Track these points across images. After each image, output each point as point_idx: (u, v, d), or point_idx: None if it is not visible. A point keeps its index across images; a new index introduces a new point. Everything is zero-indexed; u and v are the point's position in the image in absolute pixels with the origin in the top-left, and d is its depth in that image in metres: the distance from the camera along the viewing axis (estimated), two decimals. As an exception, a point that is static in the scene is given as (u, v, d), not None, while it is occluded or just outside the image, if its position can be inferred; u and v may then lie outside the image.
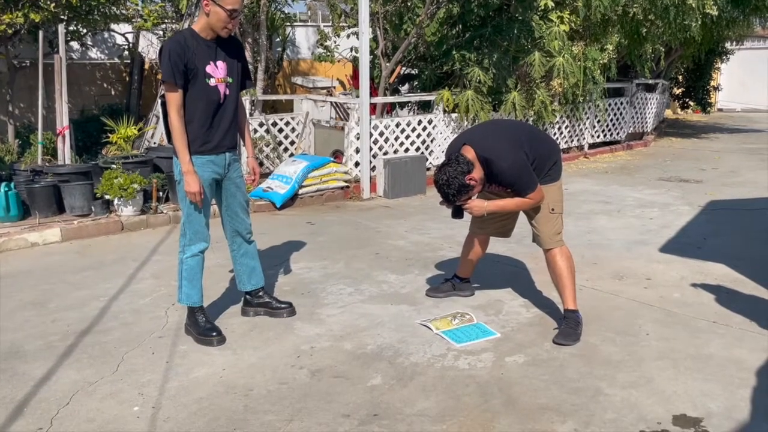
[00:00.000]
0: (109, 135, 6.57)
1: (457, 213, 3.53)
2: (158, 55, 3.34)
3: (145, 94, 8.92)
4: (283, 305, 3.79)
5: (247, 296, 3.80)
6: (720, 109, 18.49)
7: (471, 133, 3.68)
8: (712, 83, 16.65)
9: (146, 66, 9.13)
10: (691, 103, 16.27)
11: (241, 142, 3.65)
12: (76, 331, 3.56)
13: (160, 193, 6.04)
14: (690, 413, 2.70)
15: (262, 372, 3.10)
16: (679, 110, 16.92)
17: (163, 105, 3.29)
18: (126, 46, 8.95)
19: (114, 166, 5.84)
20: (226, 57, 3.33)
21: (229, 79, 3.34)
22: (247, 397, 2.87)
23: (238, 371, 3.11)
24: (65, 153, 6.27)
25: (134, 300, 4.05)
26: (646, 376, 3.03)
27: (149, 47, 9.08)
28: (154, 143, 7.09)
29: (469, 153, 3.36)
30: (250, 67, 7.35)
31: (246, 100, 7.21)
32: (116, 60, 9.08)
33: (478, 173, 3.34)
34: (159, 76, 9.13)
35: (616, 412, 2.72)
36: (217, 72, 3.29)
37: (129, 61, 8.93)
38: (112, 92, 9.05)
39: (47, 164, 6.31)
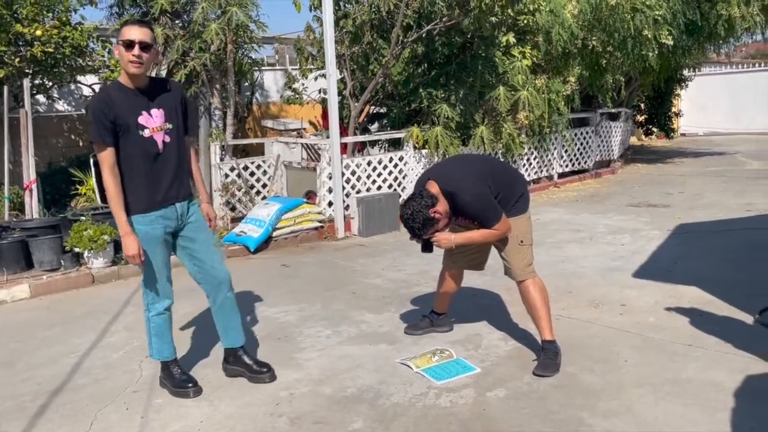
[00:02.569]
0: (78, 187, 6.50)
1: (426, 247, 3.55)
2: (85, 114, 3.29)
3: (114, 144, 8.85)
4: (264, 370, 3.47)
5: (226, 354, 3.57)
6: (683, 134, 19.00)
7: (436, 168, 3.75)
8: (674, 109, 17.14)
9: (114, 115, 9.09)
10: (655, 130, 16.72)
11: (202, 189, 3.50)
12: (48, 390, 3.46)
13: (132, 243, 5.95)
14: (672, 439, 2.70)
15: (241, 422, 3.03)
16: (643, 137, 17.34)
17: (95, 165, 3.13)
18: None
19: (83, 217, 5.76)
20: (162, 103, 3.14)
21: (169, 126, 3.15)
22: (225, 449, 2.80)
23: (215, 423, 3.04)
24: (33, 207, 6.18)
25: (107, 354, 3.96)
26: (626, 404, 3.03)
27: (117, 97, 9.06)
28: (125, 192, 7.02)
29: (433, 188, 3.41)
30: (218, 111, 7.40)
31: (216, 146, 7.22)
32: (83, 111, 9.03)
33: (442, 206, 3.38)
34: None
35: (599, 443, 2.71)
36: (152, 121, 3.10)
37: (97, 112, 8.88)
38: (80, 143, 8.98)
39: (14, 219, 6.21)
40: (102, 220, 5.80)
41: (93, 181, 6.25)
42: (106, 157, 3.02)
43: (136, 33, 2.99)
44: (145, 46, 3.00)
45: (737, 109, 18.68)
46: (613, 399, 3.09)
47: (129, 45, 2.98)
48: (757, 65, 20.24)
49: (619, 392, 3.16)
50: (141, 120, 3.07)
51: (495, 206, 3.39)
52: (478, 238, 3.49)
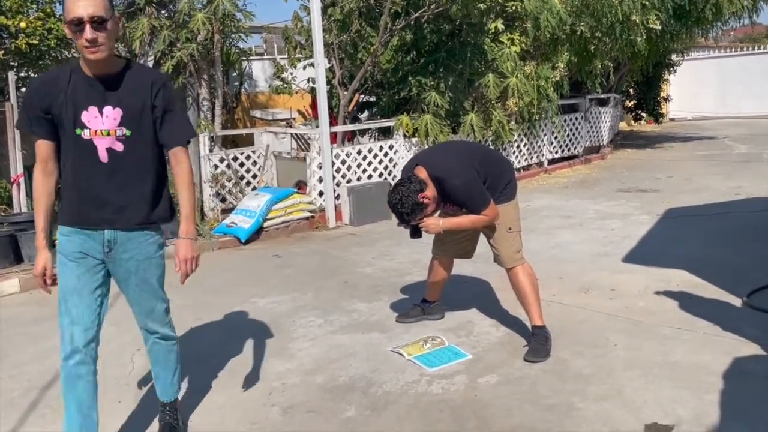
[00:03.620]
0: (66, 180, 6.45)
1: (415, 233, 3.54)
2: None
3: (101, 136, 8.79)
4: None
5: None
6: (672, 119, 19.06)
7: (423, 154, 3.75)
8: (662, 94, 17.19)
9: (102, 108, 9.02)
10: (644, 115, 16.75)
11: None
12: (38, 386, 3.45)
13: (122, 236, 5.92)
14: (661, 421, 2.73)
15: (233, 413, 3.04)
16: (632, 122, 17.38)
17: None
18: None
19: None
20: (123, 101, 2.41)
21: (125, 132, 2.41)
22: (218, 440, 2.81)
23: (208, 414, 3.05)
24: (21, 201, 6.13)
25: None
26: (616, 387, 3.06)
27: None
28: (113, 185, 6.98)
29: (421, 173, 3.41)
30: (206, 102, 7.34)
31: (205, 136, 7.18)
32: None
33: (431, 192, 3.38)
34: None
35: (590, 427, 2.73)
36: (98, 122, 2.38)
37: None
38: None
39: (2, 213, 6.16)
40: (91, 213, 5.75)
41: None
42: (38, 150, 2.47)
43: (83, 6, 2.24)
44: (98, 22, 2.26)
45: (725, 93, 18.76)
46: (604, 383, 3.12)
47: (77, 25, 2.26)
48: (744, 49, 20.32)
49: (610, 376, 3.19)
50: (84, 117, 2.38)
51: (483, 192, 3.39)
52: (467, 224, 3.49)
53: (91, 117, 2.39)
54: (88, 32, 2.25)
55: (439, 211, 3.61)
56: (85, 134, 2.39)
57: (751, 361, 3.24)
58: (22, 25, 6.51)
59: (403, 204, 3.31)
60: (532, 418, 2.83)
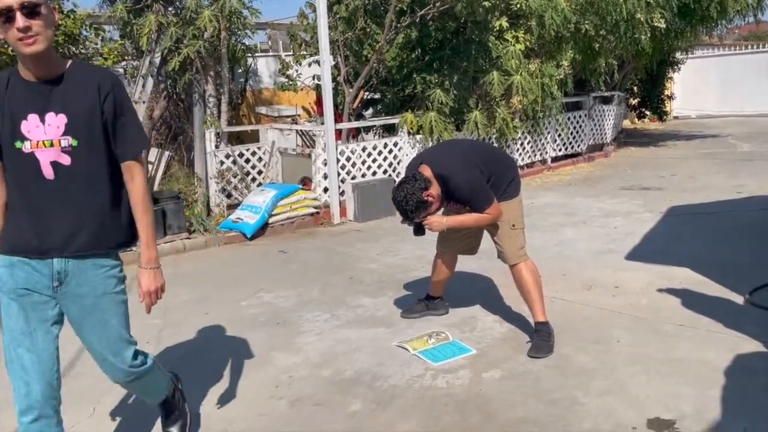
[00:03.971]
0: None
1: (419, 230, 3.58)
2: None
3: (107, 132, 8.84)
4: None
5: None
6: (676, 117, 19.03)
7: (428, 152, 3.79)
8: (666, 92, 17.17)
9: (108, 103, 9.07)
10: (648, 113, 16.74)
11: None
12: (49, 377, 3.49)
13: (128, 231, 5.98)
14: (663, 416, 2.77)
15: (241, 405, 3.09)
16: (636, 120, 17.38)
17: None
18: (86, 85, 8.88)
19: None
20: (67, 106, 2.07)
21: (70, 142, 2.07)
22: (226, 431, 2.86)
23: (215, 405, 3.09)
24: None
25: (107, 341, 3.99)
26: (619, 383, 3.10)
27: (110, 84, 9.03)
28: (120, 180, 7.03)
29: (426, 171, 3.44)
30: (212, 99, 7.38)
31: (211, 133, 7.22)
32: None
33: (435, 190, 3.41)
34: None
35: (593, 421, 2.78)
36: (39, 131, 2.06)
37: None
38: (74, 131, 8.96)
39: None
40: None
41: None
42: None
43: None
44: (30, 8, 1.96)
45: (729, 92, 18.72)
46: (606, 378, 3.16)
47: (6, 15, 1.95)
48: (749, 47, 20.29)
49: (612, 372, 3.23)
50: (23, 127, 2.06)
51: (486, 190, 3.43)
52: (470, 222, 3.53)
53: (31, 126, 2.05)
54: (20, 20, 1.94)
55: (442, 209, 3.65)
56: (26, 147, 2.06)
57: (754, 358, 3.27)
58: (30, 21, 6.55)
59: (408, 202, 3.34)
60: (536, 412, 2.87)
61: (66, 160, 2.09)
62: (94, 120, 2.12)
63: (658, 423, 2.72)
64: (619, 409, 2.86)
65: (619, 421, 2.75)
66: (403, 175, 8.01)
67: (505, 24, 8.26)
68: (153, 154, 7.74)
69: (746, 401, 2.86)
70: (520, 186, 3.70)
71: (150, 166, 7.59)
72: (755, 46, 20.07)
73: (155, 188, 7.24)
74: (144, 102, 7.21)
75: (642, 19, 8.83)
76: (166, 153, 7.86)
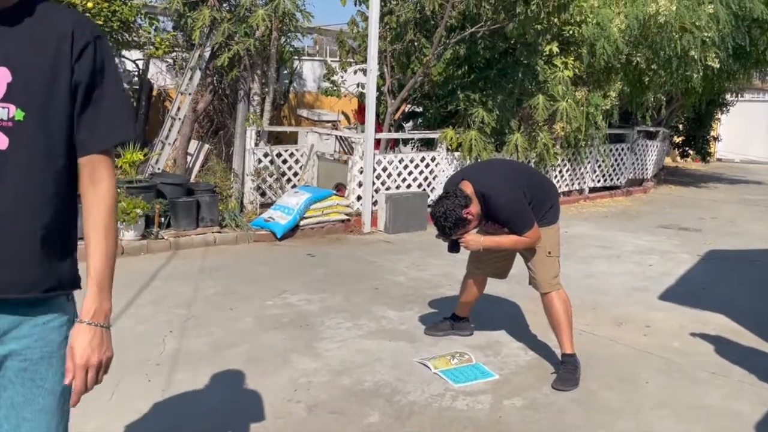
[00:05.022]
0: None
1: (454, 247, 3.52)
2: None
3: (151, 120, 9.00)
4: None
5: None
6: (719, 159, 18.64)
7: (470, 169, 3.74)
8: (712, 133, 16.84)
9: (154, 92, 9.24)
10: (691, 152, 16.43)
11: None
12: (72, 355, 3.52)
13: (162, 219, 6.05)
14: (689, 465, 2.67)
15: (258, 405, 3.07)
16: (678, 158, 17.06)
17: None
18: (135, 72, 9.06)
19: (118, 190, 5.85)
20: (14, 56, 1.32)
21: (12, 114, 1.32)
22: (242, 430, 2.84)
23: (233, 404, 3.08)
24: (70, 175, 6.29)
25: (132, 325, 4.02)
26: (644, 425, 3.01)
27: (158, 74, 9.20)
28: (159, 169, 7.13)
29: (467, 188, 3.38)
30: (257, 97, 7.45)
31: (252, 130, 7.28)
32: (125, 85, 9.19)
33: (475, 208, 3.36)
34: (166, 103, 9.25)
35: (615, 461, 2.69)
36: None
37: (137, 87, 9.03)
38: (119, 116, 9.13)
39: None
40: (136, 193, 5.89)
41: (129, 154, 6.37)
42: None
43: None
44: None
45: (777, 139, 18.30)
46: (632, 419, 3.06)
47: None
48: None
49: (639, 413, 3.13)
50: None
51: (528, 212, 3.37)
52: (507, 244, 3.47)
53: None
54: None
55: (477, 228, 3.59)
56: None
57: (788, 415, 3.15)
58: (89, 5, 6.71)
59: (447, 218, 3.30)
60: (557, 446, 2.80)
61: (2, 142, 1.31)
62: (58, 83, 1.35)
63: (683, 472, 2.62)
64: (644, 452, 2.76)
65: (643, 466, 2.66)
66: (438, 190, 8.00)
67: (555, 49, 8.19)
68: (193, 145, 7.85)
69: (778, 460, 2.75)
70: (559, 213, 3.64)
71: (189, 157, 7.69)
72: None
73: (192, 179, 7.33)
74: (190, 94, 7.31)
75: (696, 57, 8.68)
76: (206, 146, 7.96)
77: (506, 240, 3.45)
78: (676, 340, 4.15)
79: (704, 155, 16.25)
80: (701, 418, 3.09)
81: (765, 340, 4.18)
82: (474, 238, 3.44)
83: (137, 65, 8.99)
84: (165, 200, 6.18)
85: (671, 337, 4.20)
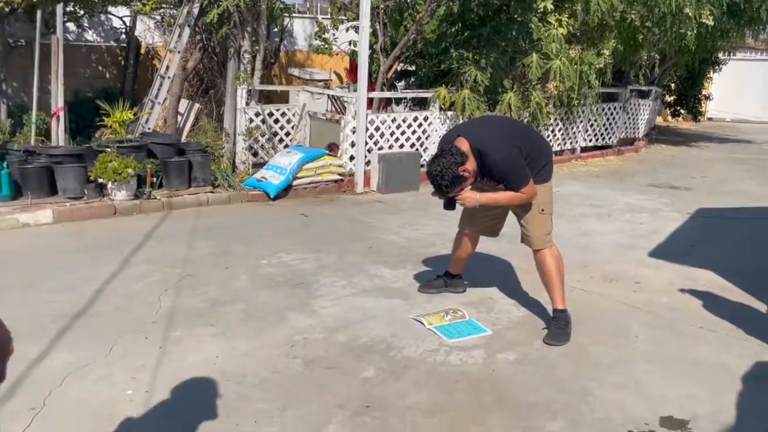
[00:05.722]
0: (104, 118, 6.53)
1: (450, 204, 3.52)
2: None
3: (140, 79, 8.86)
4: None
5: None
6: (710, 118, 18.64)
7: (466, 125, 3.71)
8: (704, 92, 16.80)
9: (142, 50, 9.07)
10: (683, 111, 16.40)
11: None
12: (69, 314, 3.55)
13: (154, 179, 6.02)
14: (677, 415, 2.75)
15: (256, 360, 3.11)
16: (669, 118, 17.04)
17: None
18: (123, 30, 8.88)
19: (108, 149, 5.81)
20: None
21: None
22: (240, 384, 2.89)
23: (231, 359, 3.12)
24: (59, 134, 6.23)
25: (128, 284, 4.04)
26: (634, 378, 3.08)
27: (146, 32, 9.02)
28: (149, 128, 7.05)
29: (463, 145, 3.36)
30: (247, 55, 7.33)
31: (243, 89, 7.19)
32: (112, 43, 9.02)
33: (471, 165, 3.34)
34: (155, 61, 9.09)
35: (605, 413, 2.76)
36: None
37: (125, 45, 8.86)
38: (107, 75, 8.99)
39: (40, 145, 6.26)
40: (127, 153, 5.84)
41: (119, 114, 6.29)
42: None
43: None
44: None
45: (768, 98, 18.29)
46: (622, 373, 3.13)
47: None
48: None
49: (628, 367, 3.20)
50: None
51: (524, 168, 3.37)
52: (503, 200, 3.48)
53: None
54: None
55: (472, 185, 3.58)
56: None
57: (772, 367, 3.23)
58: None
59: (444, 176, 3.28)
60: (548, 399, 2.86)
61: None
62: None
63: (671, 422, 2.70)
64: (633, 404, 2.83)
65: (632, 416, 2.73)
66: (431, 150, 7.97)
67: (549, 5, 8.07)
68: (183, 105, 7.75)
69: (762, 408, 2.83)
70: (552, 171, 3.64)
71: (179, 117, 7.61)
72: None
73: (183, 139, 7.26)
74: (179, 52, 7.19)
75: (690, 14, 8.59)
76: (196, 105, 7.87)
77: (502, 196, 3.45)
78: (665, 296, 4.22)
79: (695, 114, 16.25)
80: (689, 372, 3.17)
81: (752, 295, 4.26)
82: (470, 195, 3.44)
83: (124, 22, 8.80)
84: (156, 160, 6.13)
85: (660, 293, 4.27)
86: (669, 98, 16.10)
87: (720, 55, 14.87)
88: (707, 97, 17.35)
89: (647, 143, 12.33)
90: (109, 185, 5.70)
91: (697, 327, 3.72)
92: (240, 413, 2.65)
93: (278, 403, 2.74)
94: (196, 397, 2.76)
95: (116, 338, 3.27)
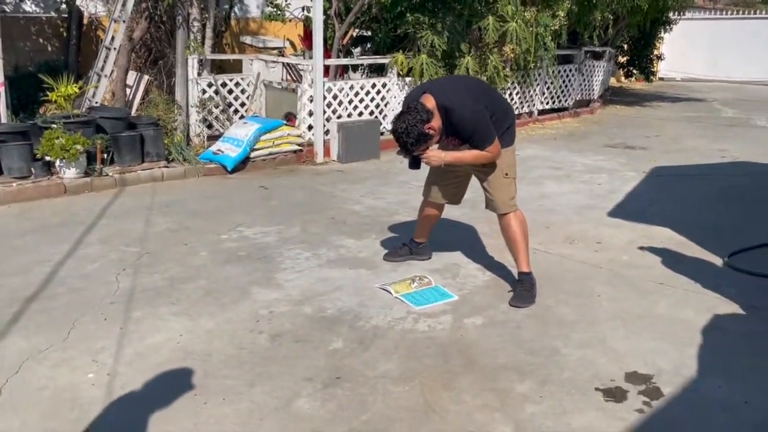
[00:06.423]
0: (47, 93, 6.23)
1: (415, 163, 3.44)
2: None
3: (84, 51, 8.47)
4: None
5: None
6: (661, 78, 18.95)
7: (432, 83, 3.65)
8: (656, 52, 17.04)
9: (85, 21, 8.66)
10: (635, 72, 16.62)
11: None
12: (21, 298, 3.41)
13: (105, 155, 5.80)
14: (641, 370, 2.81)
15: (221, 337, 3.05)
16: (623, 78, 17.25)
17: None
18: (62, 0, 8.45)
19: (54, 125, 5.55)
20: None
21: None
22: (206, 362, 2.82)
23: (195, 337, 3.05)
24: (1, 112, 5.92)
25: (82, 265, 3.90)
26: (599, 336, 3.13)
27: (88, 1, 8.60)
28: (96, 102, 6.77)
29: (429, 102, 3.29)
30: (197, 24, 7.07)
31: (194, 59, 6.95)
32: (53, 14, 8.57)
33: (437, 122, 3.28)
34: (99, 32, 8.70)
35: (572, 371, 2.80)
36: None
37: (66, 15, 8.44)
38: (49, 48, 8.56)
39: (-20, 123, 5.95)
40: (74, 129, 5.60)
41: (64, 88, 6.00)
42: None
43: None
44: None
45: (717, 57, 18.66)
46: (586, 331, 3.18)
47: None
48: (738, 12, 20.13)
49: (593, 325, 3.25)
50: None
51: (490, 126, 3.32)
52: (469, 159, 3.43)
53: None
54: None
55: (437, 145, 3.53)
56: None
57: (730, 319, 3.32)
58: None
59: (409, 133, 3.20)
60: (517, 360, 2.89)
61: None
62: None
63: (636, 377, 2.75)
64: (599, 361, 2.88)
65: (599, 373, 2.78)
66: (390, 117, 7.86)
67: (504, -33, 8.00)
68: (131, 77, 7.46)
69: (723, 361, 2.91)
70: (515, 135, 3.63)
71: (128, 90, 7.33)
72: (744, 12, 19.90)
73: (133, 113, 7.01)
74: (124, 22, 6.88)
75: (643, -27, 8.62)
76: (146, 77, 7.58)
77: (468, 155, 3.40)
78: (626, 254, 4.30)
79: (648, 75, 16.49)
80: (651, 327, 3.23)
81: (708, 250, 4.37)
82: (435, 154, 3.39)
83: (63, -9, 8.36)
84: (106, 135, 5.90)
85: (621, 252, 4.35)
86: (622, 59, 16.28)
87: (671, 14, 15.06)
88: (659, 57, 17.61)
89: (602, 104, 12.47)
90: (58, 163, 5.47)
91: (657, 283, 3.80)
92: (207, 391, 2.60)
93: (246, 379, 2.69)
94: (161, 378, 2.69)
95: (74, 321, 3.16)
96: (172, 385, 2.64)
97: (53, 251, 4.10)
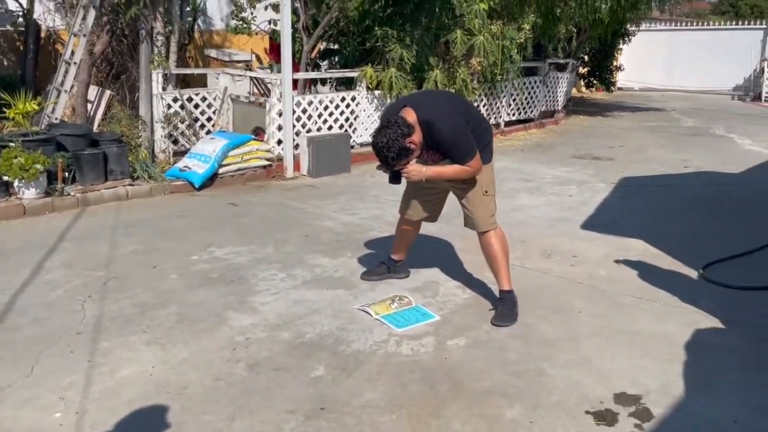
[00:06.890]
0: (4, 110, 5.99)
1: (395, 178, 3.37)
2: None
3: (41, 65, 8.19)
4: None
5: None
6: (620, 88, 19.37)
7: (412, 96, 3.60)
8: (615, 63, 17.40)
9: (43, 34, 8.38)
10: (596, 82, 16.95)
11: None
12: (-20, 331, 3.22)
13: (66, 174, 5.58)
14: (629, 391, 2.77)
15: (196, 368, 2.92)
16: (584, 89, 17.57)
17: None
18: (19, 13, 8.16)
19: (12, 144, 5.32)
20: None
21: None
22: (181, 396, 2.69)
23: (169, 368, 2.91)
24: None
25: (45, 292, 3.71)
26: (583, 355, 3.09)
27: (46, 14, 8.33)
28: (56, 119, 6.53)
29: (410, 116, 3.22)
30: (161, 37, 6.91)
31: (158, 74, 6.78)
32: (8, 27, 8.28)
33: (417, 137, 3.22)
34: (57, 46, 8.44)
35: (560, 394, 2.75)
36: None
37: (23, 29, 8.16)
38: (5, 63, 8.26)
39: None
40: (34, 147, 5.38)
41: (22, 104, 5.77)
42: None
43: None
44: None
45: (673, 67, 19.19)
46: (571, 350, 3.14)
47: None
48: (692, 24, 20.73)
49: (576, 343, 3.22)
50: None
51: (471, 140, 3.27)
52: (449, 174, 3.36)
53: None
54: None
55: (415, 160, 3.46)
56: None
57: (711, 334, 3.33)
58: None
59: (390, 148, 3.12)
60: (503, 383, 2.83)
61: None
62: None
63: (625, 398, 2.72)
64: (586, 382, 2.84)
65: (587, 395, 2.73)
66: (360, 131, 7.81)
67: (470, -19, 8.04)
68: (92, 92, 7.23)
69: (707, 377, 2.90)
70: (493, 152, 3.59)
71: (89, 105, 7.10)
72: (699, 24, 20.51)
73: (95, 129, 6.79)
74: (84, 35, 6.67)
75: (604, -13, 8.78)
76: (107, 92, 7.37)
77: (449, 170, 3.34)
78: (603, 268, 4.30)
79: (608, 85, 16.83)
80: (634, 344, 3.21)
81: (682, 261, 4.40)
82: (416, 168, 3.32)
83: (20, 4, 8.08)
84: (67, 153, 5.69)
85: (597, 266, 4.34)
86: (583, 70, 16.58)
87: (629, 26, 15.41)
88: (618, 68, 18.00)
89: (566, 115, 12.64)
90: (16, 183, 5.24)
91: (636, 297, 3.80)
92: (185, 429, 2.47)
93: (225, 413, 2.57)
94: (134, 416, 2.54)
95: (38, 354, 2.99)
96: (146, 422, 2.50)
97: (13, 277, 3.90)
